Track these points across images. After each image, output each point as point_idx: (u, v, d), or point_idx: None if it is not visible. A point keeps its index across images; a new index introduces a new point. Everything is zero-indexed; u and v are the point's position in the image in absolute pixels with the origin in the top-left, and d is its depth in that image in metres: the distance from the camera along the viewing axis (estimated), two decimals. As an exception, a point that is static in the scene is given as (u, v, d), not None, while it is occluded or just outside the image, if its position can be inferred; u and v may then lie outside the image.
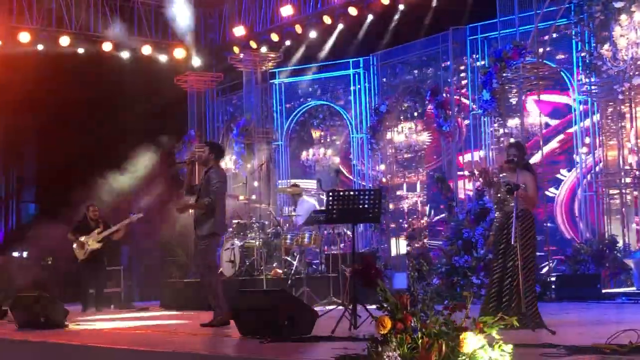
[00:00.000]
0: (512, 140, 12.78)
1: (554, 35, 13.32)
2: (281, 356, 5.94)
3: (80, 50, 17.94)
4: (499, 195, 7.90)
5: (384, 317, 4.52)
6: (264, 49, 17.97)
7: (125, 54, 18.43)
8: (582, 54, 12.97)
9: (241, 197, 15.53)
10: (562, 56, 13.88)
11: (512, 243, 7.41)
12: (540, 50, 12.93)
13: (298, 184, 14.49)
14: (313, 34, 17.10)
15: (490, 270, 7.96)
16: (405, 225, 16.45)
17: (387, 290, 4.77)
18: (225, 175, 9.82)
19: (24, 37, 17.38)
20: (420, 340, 4.45)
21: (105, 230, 14.23)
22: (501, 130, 13.32)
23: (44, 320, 9.91)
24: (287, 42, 17.77)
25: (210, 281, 9.54)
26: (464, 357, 4.44)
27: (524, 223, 7.69)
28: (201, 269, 9.60)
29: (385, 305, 4.66)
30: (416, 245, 14.68)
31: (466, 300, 4.76)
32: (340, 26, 16.79)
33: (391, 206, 16.31)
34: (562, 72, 13.76)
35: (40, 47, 17.62)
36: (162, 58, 18.97)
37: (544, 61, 13.05)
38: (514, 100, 13.50)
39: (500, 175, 8.12)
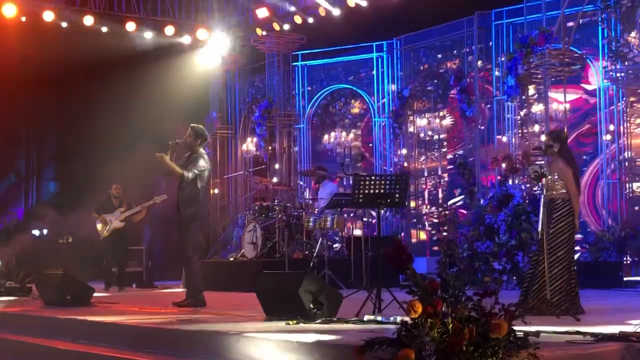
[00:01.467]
0: (533, 128, 12.79)
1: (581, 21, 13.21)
2: (308, 339, 5.99)
3: (104, 29, 17.97)
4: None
5: (415, 302, 4.55)
6: (287, 29, 17.92)
7: (148, 35, 18.45)
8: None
9: (263, 180, 15.62)
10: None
11: (539, 230, 7.45)
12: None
13: (323, 167, 14.47)
14: (337, 17, 17.02)
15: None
16: (426, 211, 16.46)
17: (418, 274, 4.81)
18: (208, 161, 9.92)
19: (48, 15, 17.42)
20: (450, 325, 4.49)
21: (128, 210, 14.33)
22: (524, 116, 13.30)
23: (69, 298, 10.04)
24: (311, 23, 17.68)
25: (191, 262, 9.62)
26: (494, 343, 4.47)
27: (560, 210, 7.72)
28: (184, 250, 9.67)
29: (416, 290, 4.69)
30: (445, 231, 14.67)
31: (496, 286, 4.81)
32: (364, 9, 16.71)
33: (412, 188, 16.28)
34: (588, 59, 13.68)
35: (64, 24, 17.66)
36: (185, 39, 18.98)
37: (570, 47, 12.98)
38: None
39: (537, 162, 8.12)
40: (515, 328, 4.55)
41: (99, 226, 14.27)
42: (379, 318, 7.08)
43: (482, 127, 14.80)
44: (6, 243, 17.01)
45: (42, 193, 22.64)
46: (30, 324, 9.08)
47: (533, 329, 4.78)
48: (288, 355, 5.76)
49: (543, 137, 8.09)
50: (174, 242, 17.95)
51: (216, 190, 19.41)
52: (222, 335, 6.55)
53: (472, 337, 4.43)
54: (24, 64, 18.29)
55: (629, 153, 13.03)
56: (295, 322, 6.99)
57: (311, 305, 7.24)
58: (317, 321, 7.04)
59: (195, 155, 9.66)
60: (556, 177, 7.78)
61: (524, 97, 13.41)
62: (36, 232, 18.52)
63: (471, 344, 4.43)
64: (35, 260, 16.83)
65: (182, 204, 9.59)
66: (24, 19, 17.25)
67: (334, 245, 14.15)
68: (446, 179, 16.40)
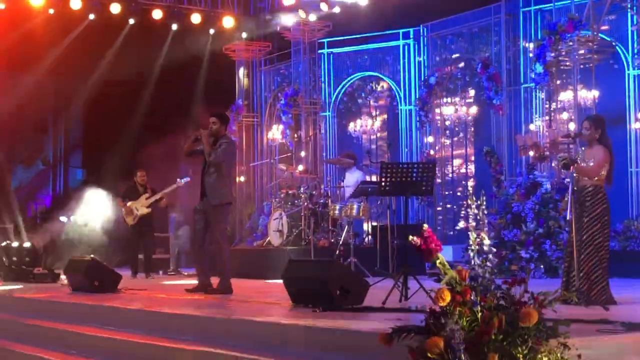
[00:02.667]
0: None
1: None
2: (335, 326, 5.99)
3: (131, 21, 18.05)
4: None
5: (444, 290, 4.52)
6: (313, 18, 17.88)
7: (174, 23, 18.48)
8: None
9: (284, 166, 15.64)
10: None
11: (568, 219, 7.37)
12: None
13: (352, 153, 14.36)
14: (363, 4, 16.96)
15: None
16: (448, 206, 16.39)
17: (446, 263, 4.78)
18: (235, 145, 9.90)
19: (75, 3, 17.49)
20: (479, 314, 4.46)
21: (153, 196, 14.38)
22: (554, 105, 13.18)
23: (97, 284, 10.11)
24: (337, 12, 17.63)
25: (221, 249, 9.64)
26: (523, 332, 4.44)
27: (593, 199, 7.63)
28: (214, 237, 9.64)
29: (444, 278, 4.67)
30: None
31: (525, 274, 4.78)
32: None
33: (438, 180, 16.23)
34: (616, 46, 13.53)
35: (91, 16, 17.74)
36: (211, 27, 18.99)
37: (599, 34, 12.84)
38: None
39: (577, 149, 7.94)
40: (544, 317, 4.52)
41: (124, 213, 14.34)
42: (406, 306, 7.07)
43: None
44: (34, 230, 17.17)
45: (70, 180, 22.81)
46: (58, 310, 9.16)
47: (563, 318, 4.74)
48: (315, 342, 5.76)
49: (572, 125, 7.96)
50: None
51: (242, 178, 19.44)
52: (250, 322, 6.57)
53: (501, 325, 4.40)
54: (50, 52, 18.40)
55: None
56: (321, 309, 6.99)
57: (338, 293, 7.24)
58: (343, 309, 7.03)
59: (222, 141, 9.67)
60: (591, 163, 7.66)
61: (551, 84, 13.28)
62: (64, 219, 18.65)
63: (500, 332, 4.40)
64: (63, 246, 16.98)
65: (210, 191, 9.59)
66: (51, 11, 17.34)
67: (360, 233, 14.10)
68: (473, 167, 16.32)
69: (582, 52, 12.68)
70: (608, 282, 7.67)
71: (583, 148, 7.85)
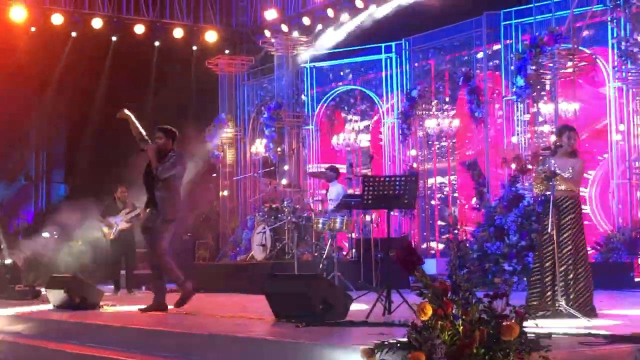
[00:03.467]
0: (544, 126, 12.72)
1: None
2: (317, 341, 5.96)
3: (114, 39, 18.06)
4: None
5: (425, 304, 4.51)
6: (295, 33, 17.93)
7: (157, 38, 18.49)
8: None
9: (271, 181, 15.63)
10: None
11: (550, 231, 7.35)
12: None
13: (335, 167, 14.34)
14: (345, 18, 17.02)
15: (541, 258, 7.80)
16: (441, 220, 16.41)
17: (427, 276, 4.77)
18: (186, 161, 9.82)
19: (57, 19, 17.47)
20: (461, 328, 4.45)
21: (132, 211, 14.30)
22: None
23: (79, 301, 10.02)
24: (319, 26, 17.69)
25: (165, 261, 9.54)
26: (505, 345, 4.43)
27: (575, 210, 7.61)
28: (159, 250, 9.48)
29: (426, 292, 4.65)
30: (455, 231, 14.62)
31: (507, 287, 4.78)
32: (373, 10, 16.68)
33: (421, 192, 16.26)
34: (597, 59, 13.62)
35: (74, 34, 17.73)
36: (194, 41, 19.00)
37: (580, 47, 12.93)
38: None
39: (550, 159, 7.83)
40: (526, 330, 4.51)
41: (105, 229, 14.25)
42: (389, 320, 7.04)
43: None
44: (16, 246, 17.03)
45: (52, 196, 22.67)
46: (39, 327, 9.07)
47: (544, 330, 4.74)
48: (297, 357, 5.73)
49: (553, 138, 7.94)
50: (183, 244, 18.06)
51: (225, 192, 19.40)
52: (231, 338, 6.53)
53: (483, 339, 4.40)
54: (33, 67, 18.34)
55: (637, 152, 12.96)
56: (304, 324, 6.95)
57: (321, 308, 7.21)
58: (326, 323, 7.00)
59: (171, 155, 9.54)
60: (567, 174, 7.61)
61: (534, 94, 13.36)
62: (46, 235, 18.53)
63: (482, 346, 4.40)
64: (44, 263, 16.84)
65: (162, 205, 9.38)
66: (33, 29, 17.32)
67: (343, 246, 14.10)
68: (455, 180, 16.37)
69: (562, 64, 12.75)
70: (592, 293, 7.67)
71: (553, 160, 7.73)
